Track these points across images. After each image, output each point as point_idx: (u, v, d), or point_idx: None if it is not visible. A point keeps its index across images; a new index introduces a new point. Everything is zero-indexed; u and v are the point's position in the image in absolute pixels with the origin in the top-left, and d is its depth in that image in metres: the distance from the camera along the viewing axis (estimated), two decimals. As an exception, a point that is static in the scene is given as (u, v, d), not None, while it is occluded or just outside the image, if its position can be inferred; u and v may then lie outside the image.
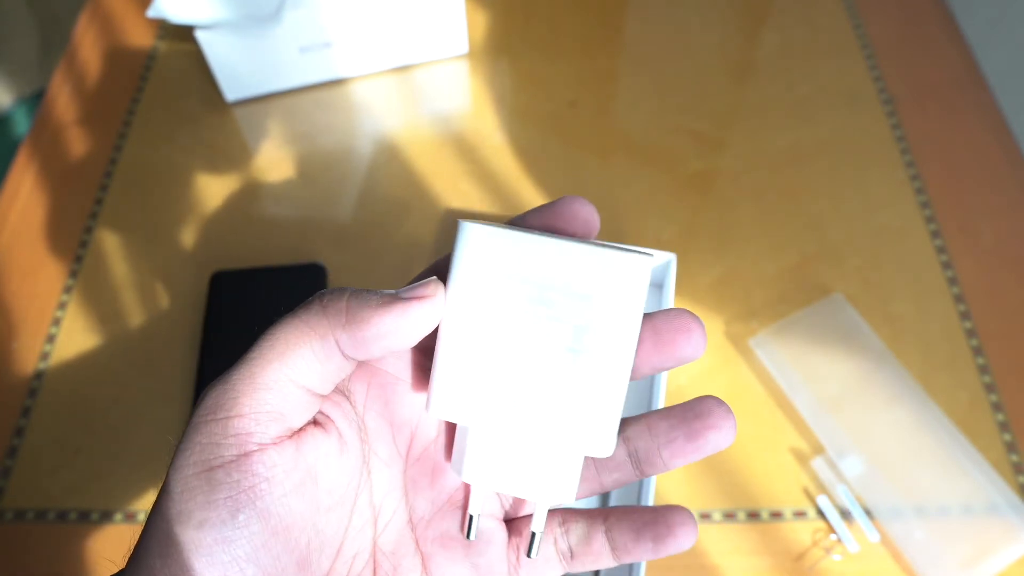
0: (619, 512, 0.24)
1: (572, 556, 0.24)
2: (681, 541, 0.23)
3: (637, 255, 0.22)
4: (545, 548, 0.24)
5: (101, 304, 0.54)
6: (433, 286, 0.22)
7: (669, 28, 0.68)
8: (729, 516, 0.45)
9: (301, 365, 0.21)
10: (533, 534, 0.24)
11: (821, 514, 0.45)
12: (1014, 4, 0.90)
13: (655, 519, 0.24)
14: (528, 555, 0.23)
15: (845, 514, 0.45)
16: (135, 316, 0.53)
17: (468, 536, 0.24)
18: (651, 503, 0.40)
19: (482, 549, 0.24)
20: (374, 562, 0.23)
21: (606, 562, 0.24)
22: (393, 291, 0.22)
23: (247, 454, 0.20)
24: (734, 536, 0.45)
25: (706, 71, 0.65)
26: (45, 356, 0.52)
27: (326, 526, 0.22)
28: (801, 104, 0.62)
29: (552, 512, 0.25)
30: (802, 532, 0.45)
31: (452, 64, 0.66)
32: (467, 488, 0.25)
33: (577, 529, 0.24)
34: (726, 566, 0.44)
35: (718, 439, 0.23)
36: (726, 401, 0.46)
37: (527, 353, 0.22)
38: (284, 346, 0.21)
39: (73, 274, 0.55)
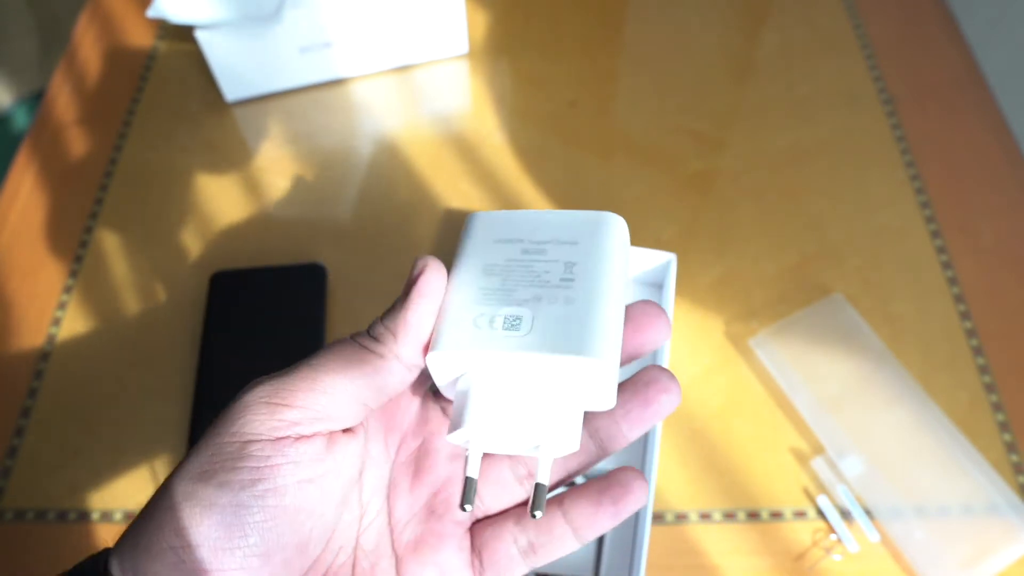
0: (572, 493, 0.25)
1: (534, 550, 0.25)
2: (638, 496, 0.24)
3: (612, 214, 0.26)
4: (504, 548, 0.25)
5: (101, 304, 0.54)
6: (421, 260, 0.24)
7: (669, 28, 0.68)
8: (729, 516, 0.45)
9: (361, 381, 0.23)
10: (538, 486, 0.23)
11: (821, 514, 0.45)
12: (1014, 4, 0.90)
13: (608, 484, 0.24)
14: (532, 514, 0.23)
15: (845, 514, 0.45)
16: (135, 316, 0.53)
17: (463, 506, 0.23)
18: (651, 504, 0.40)
19: (450, 556, 0.25)
20: (354, 558, 0.24)
21: (570, 545, 0.24)
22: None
23: (285, 439, 0.22)
24: (734, 536, 0.45)
25: (706, 71, 0.65)
26: (45, 356, 0.52)
27: (328, 517, 0.23)
28: (801, 104, 0.62)
29: (505, 513, 0.25)
30: (802, 532, 0.45)
31: (452, 64, 0.66)
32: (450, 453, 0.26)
33: (534, 522, 0.25)
34: (726, 566, 0.44)
35: (670, 401, 0.25)
36: (726, 401, 0.46)
37: (524, 293, 0.24)
38: (346, 362, 0.23)
39: (73, 274, 0.55)
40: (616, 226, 0.25)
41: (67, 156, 0.62)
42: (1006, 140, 0.60)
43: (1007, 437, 0.47)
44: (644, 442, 0.44)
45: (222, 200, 0.59)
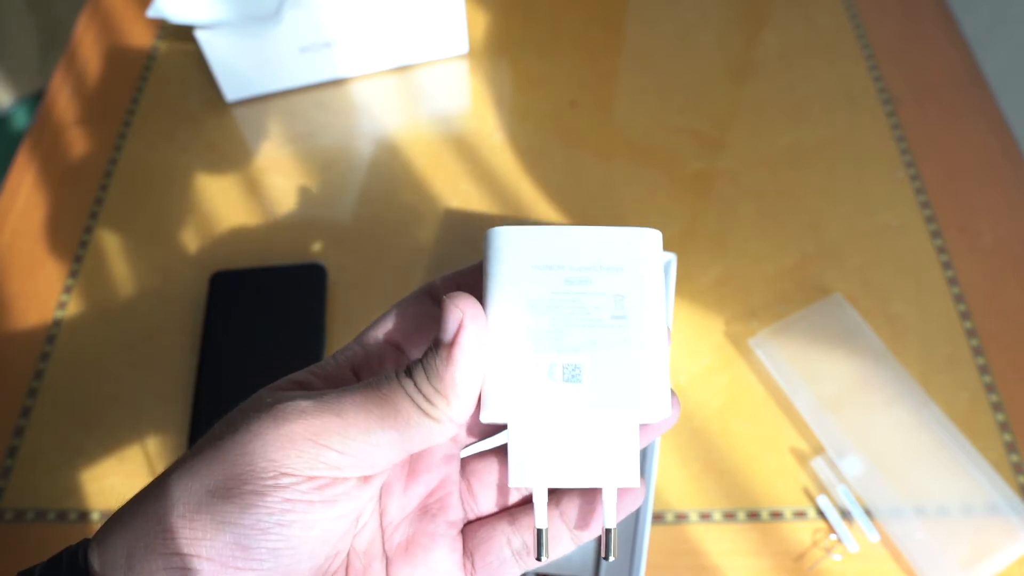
0: (569, 492, 0.24)
1: (529, 552, 0.24)
2: (634, 496, 0.24)
3: (650, 230, 0.24)
4: (497, 550, 0.25)
5: (101, 304, 0.54)
6: (458, 304, 0.22)
7: (669, 28, 0.68)
8: (729, 516, 0.45)
9: (412, 440, 0.22)
10: (607, 531, 0.23)
11: (821, 514, 0.45)
12: (1014, 4, 0.90)
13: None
14: (606, 558, 0.23)
15: (845, 514, 0.45)
16: (135, 316, 0.53)
17: (539, 557, 0.23)
18: (651, 504, 0.40)
19: (442, 557, 0.25)
20: (347, 561, 0.24)
21: (566, 546, 0.24)
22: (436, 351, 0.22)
23: (322, 478, 0.21)
24: (734, 536, 0.45)
25: (706, 71, 0.65)
26: (45, 356, 0.52)
27: (347, 538, 0.23)
28: (801, 104, 0.62)
29: (499, 515, 0.25)
30: (802, 532, 0.45)
31: (452, 64, 0.66)
32: (463, 486, 0.25)
33: (528, 522, 0.25)
34: (726, 566, 0.44)
35: (668, 421, 0.25)
36: (726, 401, 0.46)
37: (578, 335, 0.23)
38: (404, 422, 0.22)
39: (73, 274, 0.55)
40: (657, 244, 0.24)
41: (67, 156, 0.62)
42: (1006, 140, 0.60)
43: (1007, 437, 0.47)
44: (644, 442, 0.44)
45: (222, 200, 0.59)
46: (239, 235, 0.57)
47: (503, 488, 0.25)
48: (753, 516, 0.45)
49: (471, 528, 0.25)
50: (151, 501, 0.21)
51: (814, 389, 0.48)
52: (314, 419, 0.21)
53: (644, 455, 0.44)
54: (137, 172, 0.61)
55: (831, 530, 0.45)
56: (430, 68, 0.65)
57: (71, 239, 0.57)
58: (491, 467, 0.26)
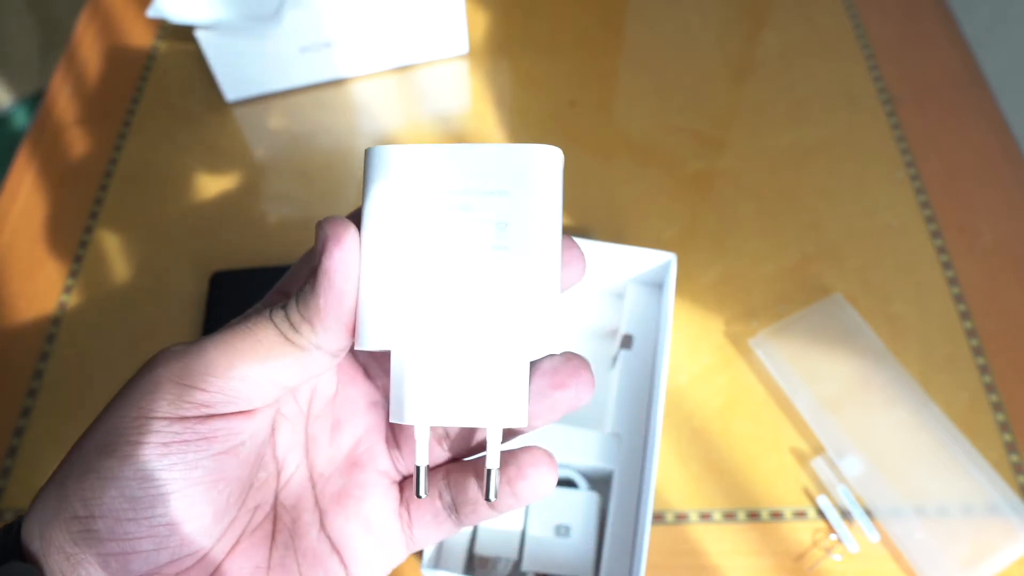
0: (518, 454, 0.24)
1: (456, 509, 0.24)
2: (538, 481, 0.23)
3: (547, 147, 0.22)
4: (430, 503, 0.24)
5: (101, 304, 0.54)
6: (326, 229, 0.21)
7: (669, 28, 0.68)
8: (729, 516, 0.45)
9: (281, 370, 0.21)
10: (488, 472, 0.22)
11: (821, 514, 0.45)
12: (1014, 4, 0.90)
13: (515, 464, 0.23)
14: (487, 498, 0.23)
15: (845, 514, 0.45)
16: (135, 316, 0.53)
17: (418, 494, 0.23)
18: (651, 502, 0.40)
19: (375, 506, 0.24)
20: (274, 515, 0.24)
21: (486, 513, 0.24)
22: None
23: (204, 417, 0.21)
24: (734, 536, 0.45)
25: (706, 71, 0.65)
26: (44, 356, 0.52)
27: (243, 481, 0.23)
28: (801, 104, 0.62)
29: (437, 469, 0.25)
30: (802, 532, 0.45)
31: (452, 64, 0.66)
32: (391, 433, 0.25)
33: (461, 478, 0.24)
34: (726, 566, 0.44)
35: (569, 399, 0.23)
36: (726, 401, 0.46)
37: (454, 262, 0.21)
38: (266, 349, 0.21)
39: (73, 274, 0.55)
40: (552, 164, 0.22)
41: (67, 156, 0.62)
42: (1006, 140, 0.60)
43: (1007, 437, 0.47)
44: (644, 442, 0.44)
45: (222, 200, 0.59)
46: (239, 235, 0.57)
47: (432, 446, 0.25)
48: (753, 516, 0.45)
49: (409, 482, 0.25)
50: (55, 472, 0.21)
51: (814, 389, 0.48)
52: (178, 361, 0.21)
53: (644, 455, 0.44)
54: (137, 172, 0.61)
55: (831, 530, 0.45)
56: (430, 68, 0.65)
57: (71, 239, 0.57)
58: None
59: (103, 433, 0.21)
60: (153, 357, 0.21)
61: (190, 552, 0.21)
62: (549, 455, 0.23)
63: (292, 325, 0.21)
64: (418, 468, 0.23)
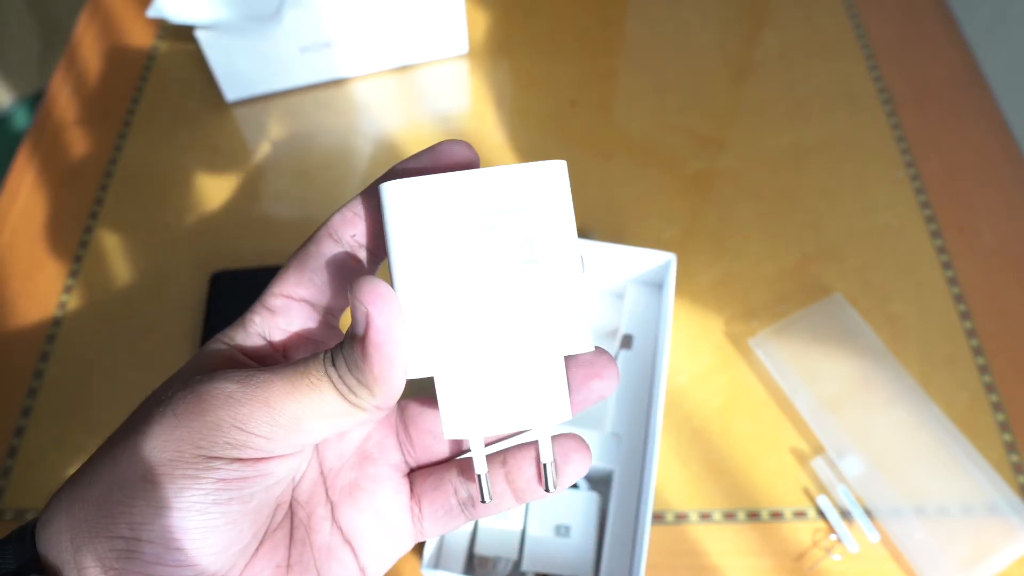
0: (517, 454, 0.24)
1: (473, 503, 0.24)
2: (577, 468, 0.24)
3: (552, 162, 0.23)
4: (444, 498, 0.25)
5: (101, 304, 0.54)
6: (364, 293, 0.21)
7: (669, 28, 0.68)
8: (729, 516, 0.45)
9: (343, 429, 0.22)
10: (544, 466, 0.23)
11: (821, 514, 0.45)
12: (1014, 4, 0.90)
13: (539, 451, 0.24)
14: (547, 490, 0.23)
15: (845, 514, 0.45)
16: (135, 316, 0.53)
17: (483, 499, 0.23)
18: (651, 502, 0.40)
19: (386, 499, 0.25)
20: (291, 512, 0.24)
21: (508, 503, 0.24)
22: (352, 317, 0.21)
23: (262, 459, 0.21)
24: (734, 536, 0.45)
25: (706, 71, 0.65)
26: (45, 356, 0.52)
27: (280, 500, 0.23)
28: (801, 104, 0.62)
29: (449, 464, 0.25)
30: (802, 532, 0.45)
31: (452, 64, 0.66)
32: (398, 437, 0.25)
33: (473, 476, 0.25)
34: (726, 566, 0.44)
35: (603, 388, 0.24)
36: (726, 401, 0.46)
37: (489, 280, 0.22)
38: (332, 413, 0.21)
39: (73, 274, 0.55)
40: (560, 177, 0.23)
41: (67, 156, 0.62)
42: (1006, 140, 0.60)
43: (1007, 437, 0.47)
44: (644, 442, 0.44)
45: (222, 200, 0.59)
46: (239, 235, 0.57)
47: (439, 435, 0.25)
48: (753, 516, 0.45)
49: (420, 474, 0.25)
50: (90, 486, 0.21)
51: (814, 389, 0.48)
52: (241, 407, 0.21)
53: (644, 455, 0.44)
54: (137, 172, 0.61)
55: (831, 530, 0.45)
56: (430, 68, 0.65)
57: (71, 239, 0.57)
58: (426, 413, 0.25)
59: (155, 464, 0.21)
60: (206, 390, 0.21)
61: (227, 571, 0.22)
62: (582, 440, 0.24)
63: (350, 389, 0.21)
64: (480, 477, 0.24)
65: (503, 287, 0.22)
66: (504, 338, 0.22)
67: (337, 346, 0.22)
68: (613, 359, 0.24)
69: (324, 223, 0.24)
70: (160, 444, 0.21)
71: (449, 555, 0.42)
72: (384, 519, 0.25)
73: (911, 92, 0.63)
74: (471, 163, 0.24)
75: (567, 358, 0.24)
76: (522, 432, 0.24)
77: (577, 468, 0.24)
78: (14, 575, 0.21)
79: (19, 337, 0.53)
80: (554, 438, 0.24)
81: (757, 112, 0.62)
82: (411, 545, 0.25)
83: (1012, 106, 0.64)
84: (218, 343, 0.23)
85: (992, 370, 0.50)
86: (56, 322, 0.53)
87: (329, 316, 0.24)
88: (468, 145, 0.24)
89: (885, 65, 0.64)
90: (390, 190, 0.22)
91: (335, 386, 0.21)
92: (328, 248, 0.24)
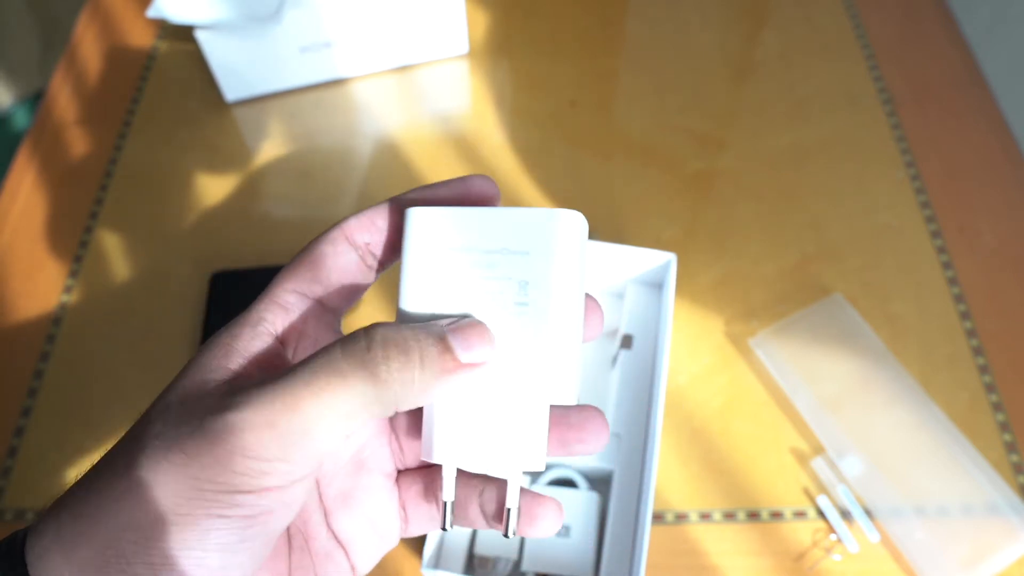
0: (496, 483, 0.25)
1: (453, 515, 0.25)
2: (545, 526, 0.24)
3: (569, 211, 0.23)
4: (429, 508, 0.25)
5: (101, 304, 0.54)
6: (481, 345, 0.22)
7: (669, 28, 0.68)
8: (729, 516, 0.45)
9: (342, 431, 0.21)
10: (507, 511, 0.24)
11: (821, 514, 0.45)
12: (1014, 4, 0.90)
13: (525, 502, 0.24)
14: (505, 535, 0.24)
15: (845, 514, 0.45)
16: (135, 316, 0.53)
17: (444, 527, 0.24)
18: (651, 502, 0.40)
19: (378, 506, 0.25)
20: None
21: (480, 524, 0.25)
22: (439, 340, 0.21)
23: (285, 485, 0.21)
24: (734, 536, 0.45)
25: (706, 71, 0.65)
26: (45, 356, 0.52)
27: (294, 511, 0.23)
28: (801, 104, 0.62)
29: (437, 470, 0.25)
30: (802, 532, 0.45)
31: (452, 64, 0.66)
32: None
33: (460, 500, 0.25)
34: (726, 566, 0.44)
35: (583, 450, 0.24)
36: (726, 401, 0.45)
37: (481, 315, 0.23)
38: (334, 416, 0.20)
39: (73, 274, 0.55)
40: (573, 226, 0.23)
41: (67, 156, 0.62)
42: (1006, 140, 0.60)
43: (1007, 437, 0.47)
44: (644, 442, 0.44)
45: (222, 200, 0.59)
46: (239, 235, 0.57)
47: None
48: (753, 516, 0.45)
49: (408, 478, 0.26)
50: (94, 524, 0.20)
51: (814, 389, 0.48)
52: (254, 433, 0.20)
53: (644, 455, 0.44)
54: (137, 172, 0.61)
55: (831, 530, 0.45)
56: (430, 68, 0.65)
57: (71, 239, 0.57)
58: (418, 422, 0.26)
59: (171, 507, 0.20)
60: (211, 423, 0.20)
61: None
62: (558, 505, 0.24)
63: (390, 369, 0.21)
64: (444, 504, 0.24)
65: (495, 326, 0.23)
66: (491, 377, 0.23)
67: (365, 331, 0.21)
68: (605, 421, 0.25)
69: (339, 224, 0.24)
70: (173, 484, 0.20)
71: (449, 555, 0.42)
72: (375, 524, 0.25)
73: (911, 92, 0.63)
74: (492, 198, 0.24)
75: (559, 408, 0.24)
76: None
77: (546, 527, 0.24)
78: None
79: (19, 337, 0.53)
80: (533, 495, 0.24)
81: (757, 112, 0.62)
82: (397, 542, 0.26)
83: (1012, 106, 0.64)
84: (221, 347, 0.22)
85: (992, 370, 0.50)
86: (56, 322, 0.53)
87: (332, 317, 0.24)
88: (493, 182, 0.25)
89: (885, 65, 0.64)
90: (416, 216, 0.23)
91: (372, 370, 0.20)
92: (343, 249, 0.24)
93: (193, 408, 0.21)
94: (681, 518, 0.45)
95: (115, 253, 0.57)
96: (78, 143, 0.62)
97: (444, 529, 0.24)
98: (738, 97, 0.63)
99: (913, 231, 0.55)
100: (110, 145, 0.62)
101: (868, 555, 0.44)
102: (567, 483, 0.45)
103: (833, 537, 0.44)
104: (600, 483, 0.45)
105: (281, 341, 0.23)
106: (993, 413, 0.48)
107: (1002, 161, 0.59)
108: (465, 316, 0.23)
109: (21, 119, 1.26)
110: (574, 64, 0.66)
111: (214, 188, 0.59)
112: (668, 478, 0.47)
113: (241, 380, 0.22)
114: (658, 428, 0.42)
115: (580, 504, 0.43)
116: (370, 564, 0.25)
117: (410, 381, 0.21)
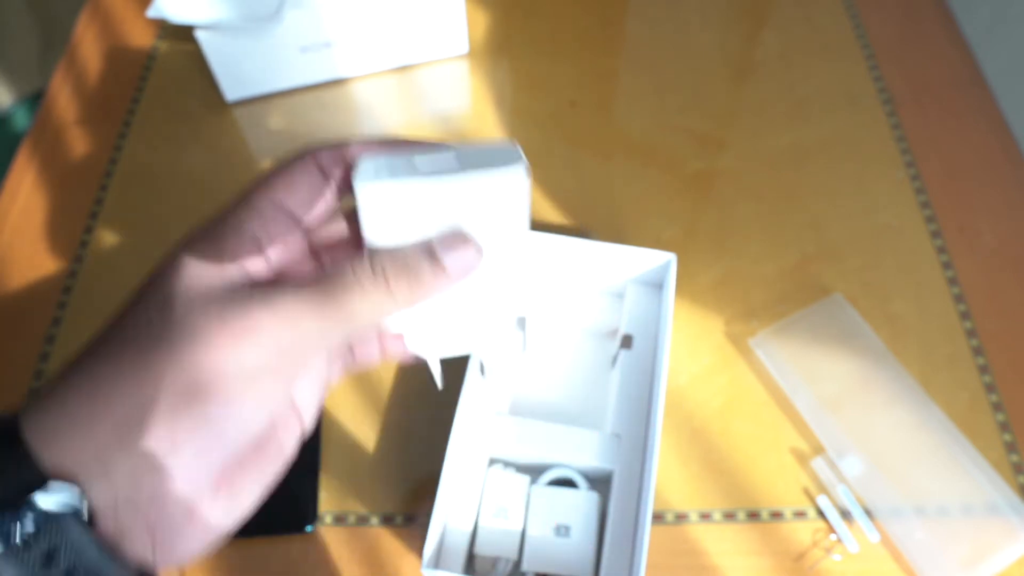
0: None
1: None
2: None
3: (510, 174, 0.25)
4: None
5: (101, 305, 0.54)
6: (465, 251, 0.25)
7: (669, 28, 0.68)
8: (729, 516, 0.45)
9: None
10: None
11: (821, 514, 0.45)
12: (1014, 4, 0.90)
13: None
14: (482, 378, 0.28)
15: (845, 514, 0.45)
16: (135, 316, 0.53)
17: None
18: (651, 502, 0.40)
19: (320, 365, 0.28)
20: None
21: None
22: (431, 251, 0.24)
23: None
24: (734, 536, 0.45)
25: (706, 71, 0.65)
26: (45, 356, 0.52)
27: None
28: (801, 104, 0.62)
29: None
30: (802, 532, 0.45)
31: (452, 64, 0.66)
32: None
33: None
34: (726, 566, 0.44)
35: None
36: (726, 401, 0.45)
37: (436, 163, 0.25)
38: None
39: (73, 274, 0.55)
40: (510, 191, 0.25)
41: (67, 156, 0.62)
42: (1006, 140, 0.60)
43: (1007, 437, 0.47)
44: (644, 442, 0.44)
45: (222, 200, 0.59)
46: (239, 235, 0.57)
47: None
48: (753, 516, 0.45)
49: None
50: (107, 404, 0.22)
51: (814, 389, 0.48)
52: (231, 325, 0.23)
53: (644, 455, 0.44)
54: (137, 172, 0.61)
55: (831, 530, 0.45)
56: (430, 68, 0.65)
57: (71, 239, 0.57)
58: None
59: (168, 384, 0.22)
60: (265, 304, 0.23)
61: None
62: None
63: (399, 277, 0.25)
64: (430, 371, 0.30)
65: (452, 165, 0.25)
66: (456, 176, 0.25)
67: (368, 257, 0.24)
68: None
69: (312, 152, 0.26)
70: (157, 356, 0.23)
71: (449, 555, 0.42)
72: (320, 381, 0.27)
73: (911, 92, 0.63)
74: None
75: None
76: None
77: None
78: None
79: (19, 337, 0.53)
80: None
81: (757, 112, 0.62)
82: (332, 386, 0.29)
83: (1012, 106, 0.64)
84: (211, 248, 0.25)
85: (992, 370, 0.50)
86: (56, 322, 0.53)
87: (300, 231, 0.26)
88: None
89: (885, 65, 0.64)
90: (366, 192, 0.25)
91: (384, 287, 0.23)
92: (312, 170, 0.26)
93: (205, 304, 0.23)
94: (681, 518, 0.45)
95: (115, 253, 0.56)
96: (78, 143, 0.62)
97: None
98: (738, 97, 0.63)
99: (913, 231, 0.55)
100: (110, 145, 0.62)
101: (868, 555, 0.44)
102: (567, 483, 0.45)
103: (833, 537, 0.44)
104: (600, 483, 0.45)
105: (259, 246, 0.25)
106: (993, 413, 0.48)
107: (1002, 161, 0.59)
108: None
109: (21, 119, 1.26)
110: (574, 64, 0.66)
111: (214, 188, 0.59)
112: (668, 478, 0.47)
113: (235, 282, 0.24)
114: (658, 428, 0.42)
115: (580, 504, 0.43)
116: (315, 420, 0.29)
117: (414, 293, 0.24)
